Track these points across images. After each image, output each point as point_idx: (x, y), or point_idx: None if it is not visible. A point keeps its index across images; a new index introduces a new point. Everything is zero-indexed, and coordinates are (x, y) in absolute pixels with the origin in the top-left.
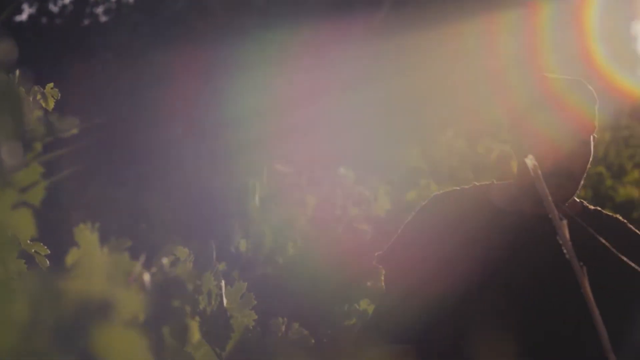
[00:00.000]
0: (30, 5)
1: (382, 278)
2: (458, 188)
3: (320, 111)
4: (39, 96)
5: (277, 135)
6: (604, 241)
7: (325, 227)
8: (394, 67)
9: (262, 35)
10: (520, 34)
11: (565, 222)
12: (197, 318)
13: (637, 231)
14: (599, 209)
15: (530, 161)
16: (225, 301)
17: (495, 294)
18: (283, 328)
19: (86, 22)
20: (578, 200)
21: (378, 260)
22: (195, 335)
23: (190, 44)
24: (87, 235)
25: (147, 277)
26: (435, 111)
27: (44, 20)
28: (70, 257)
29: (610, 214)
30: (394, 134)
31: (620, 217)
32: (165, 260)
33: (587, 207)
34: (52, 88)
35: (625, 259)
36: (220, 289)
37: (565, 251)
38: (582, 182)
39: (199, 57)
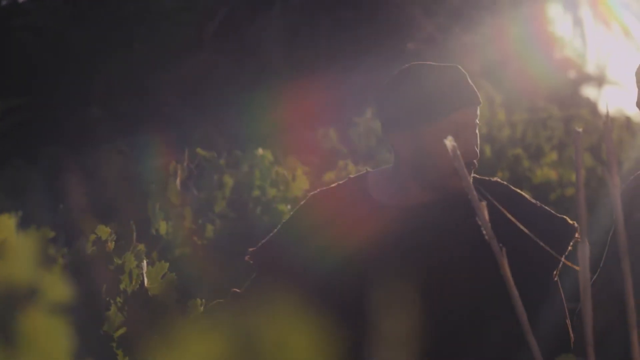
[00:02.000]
0: None
1: (253, 275)
2: (334, 184)
3: (238, 92)
4: None
5: (197, 116)
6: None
7: (243, 208)
8: (313, 48)
9: (182, 17)
10: (440, 14)
11: (484, 203)
12: (119, 298)
13: (519, 191)
14: (475, 175)
15: (449, 143)
16: (146, 281)
17: (383, 288)
18: (201, 308)
19: (4, 2)
20: None
21: (251, 256)
22: (116, 315)
23: (110, 25)
24: (4, 222)
25: (68, 258)
26: (353, 92)
27: None
28: None
29: (488, 178)
30: (313, 115)
31: (499, 180)
32: (86, 241)
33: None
34: None
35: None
36: (142, 269)
37: (484, 232)
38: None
39: (118, 38)
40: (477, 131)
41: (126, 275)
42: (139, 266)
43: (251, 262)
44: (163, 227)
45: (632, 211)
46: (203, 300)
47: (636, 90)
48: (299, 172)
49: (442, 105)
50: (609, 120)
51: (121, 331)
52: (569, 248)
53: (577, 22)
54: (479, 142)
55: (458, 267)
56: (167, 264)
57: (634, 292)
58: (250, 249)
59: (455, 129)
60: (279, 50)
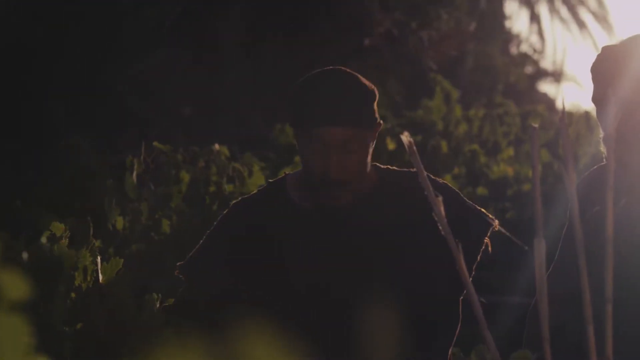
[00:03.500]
0: None
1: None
2: (256, 191)
3: (196, 88)
4: None
5: (153, 111)
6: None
7: (200, 203)
8: (271, 43)
9: (141, 12)
10: (398, 10)
11: (441, 198)
12: (73, 294)
13: (441, 182)
14: (389, 167)
15: (406, 138)
16: (100, 277)
17: (309, 291)
18: (158, 304)
19: None
20: (373, 165)
21: (181, 270)
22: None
23: (69, 20)
24: None
25: (25, 255)
26: None
27: None
28: None
29: (408, 169)
30: (270, 110)
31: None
32: (42, 238)
33: (381, 170)
34: None
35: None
36: (96, 265)
37: (440, 228)
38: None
39: (70, 30)
40: (348, 152)
41: (80, 271)
42: (94, 262)
43: (181, 276)
44: (120, 222)
45: (587, 206)
46: (159, 295)
47: (592, 85)
48: (254, 167)
49: (306, 119)
50: (565, 116)
51: (77, 327)
52: (486, 241)
53: (534, 18)
54: (358, 161)
55: (377, 265)
56: (122, 260)
57: (589, 286)
58: (179, 263)
59: (318, 144)
60: (237, 46)
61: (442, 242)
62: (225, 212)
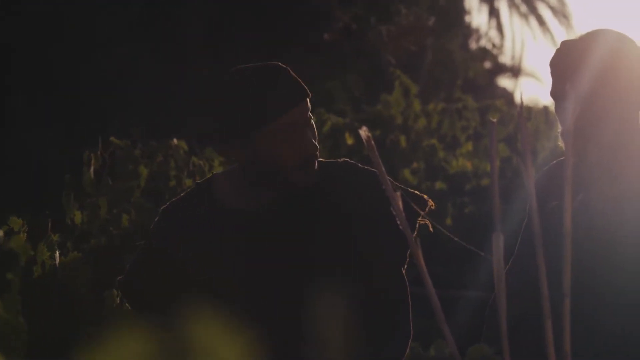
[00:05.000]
0: None
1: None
2: (183, 194)
3: (158, 83)
4: None
5: (112, 106)
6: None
7: (159, 198)
8: (233, 39)
9: (100, 7)
10: (357, 5)
11: (399, 193)
12: (30, 288)
13: (369, 169)
14: (320, 159)
15: (364, 133)
16: (59, 272)
17: (240, 294)
18: (118, 300)
19: None
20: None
21: (120, 286)
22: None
23: (32, 17)
24: None
25: None
26: None
27: None
28: None
29: (335, 160)
30: None
31: (348, 160)
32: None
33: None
34: None
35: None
36: (55, 259)
37: (399, 222)
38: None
39: (30, 24)
40: (312, 122)
41: (39, 266)
42: (52, 257)
43: (122, 294)
44: (78, 216)
45: (545, 201)
46: (119, 292)
47: (551, 80)
48: (215, 162)
49: (266, 112)
50: (524, 110)
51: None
52: (416, 225)
53: (493, 13)
54: (315, 132)
55: (312, 260)
56: (80, 255)
57: (547, 281)
58: (119, 278)
59: (286, 131)
60: (198, 41)
61: (377, 231)
62: (156, 219)
